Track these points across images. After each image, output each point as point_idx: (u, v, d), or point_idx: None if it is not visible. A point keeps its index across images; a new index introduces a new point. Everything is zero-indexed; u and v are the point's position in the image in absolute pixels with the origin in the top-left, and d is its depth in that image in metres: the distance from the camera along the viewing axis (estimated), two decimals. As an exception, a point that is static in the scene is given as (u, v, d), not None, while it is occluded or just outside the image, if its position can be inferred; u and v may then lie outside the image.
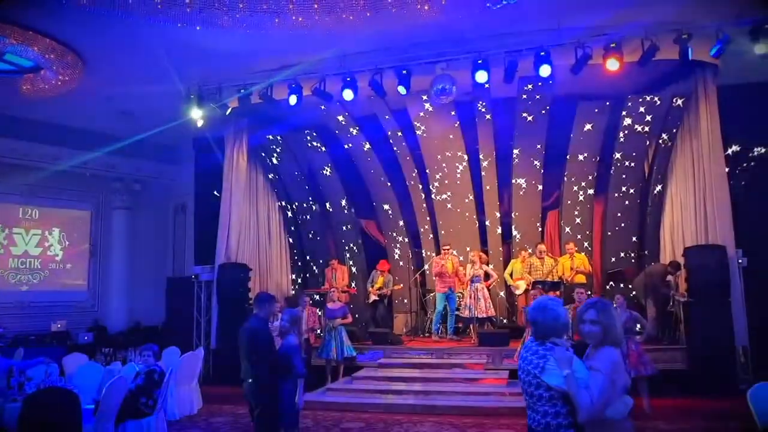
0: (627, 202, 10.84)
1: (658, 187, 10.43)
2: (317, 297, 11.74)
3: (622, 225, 10.86)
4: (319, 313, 10.32)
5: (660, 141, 10.30)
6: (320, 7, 7.71)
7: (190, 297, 12.06)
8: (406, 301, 12.15)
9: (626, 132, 10.44)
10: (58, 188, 14.11)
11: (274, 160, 12.58)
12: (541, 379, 2.83)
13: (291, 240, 13.13)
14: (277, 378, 5.10)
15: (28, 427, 5.17)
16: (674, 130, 10.00)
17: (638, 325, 7.87)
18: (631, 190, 10.79)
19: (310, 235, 13.12)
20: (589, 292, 8.70)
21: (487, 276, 10.47)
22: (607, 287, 10.72)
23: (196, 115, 10.24)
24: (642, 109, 10.16)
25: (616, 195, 10.84)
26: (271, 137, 12.17)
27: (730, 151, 10.04)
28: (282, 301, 11.30)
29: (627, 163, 10.66)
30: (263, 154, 12.40)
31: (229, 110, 10.36)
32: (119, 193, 14.97)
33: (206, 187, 13.42)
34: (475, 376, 8.73)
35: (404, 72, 9.29)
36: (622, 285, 10.56)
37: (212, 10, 7.97)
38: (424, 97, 10.51)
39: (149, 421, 6.46)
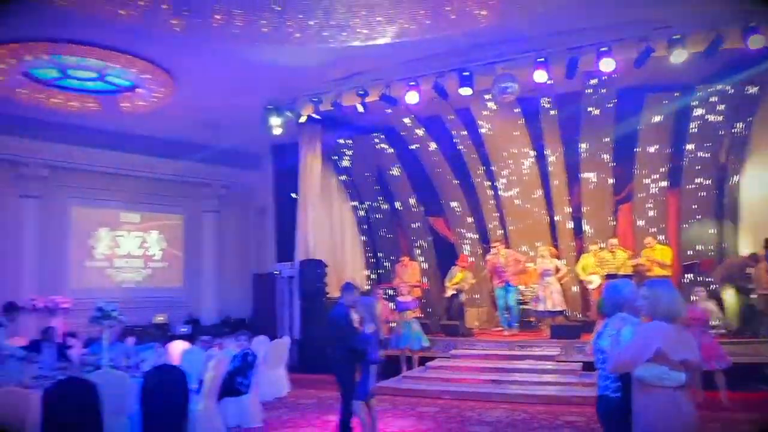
0: (703, 194, 10.70)
1: (735, 178, 10.25)
2: (390, 292, 12.31)
3: (698, 217, 10.73)
4: (392, 306, 10.87)
5: (734, 130, 10.13)
6: (383, 20, 8.25)
7: (273, 291, 12.97)
8: (477, 296, 12.51)
9: (698, 122, 10.34)
10: (155, 194, 15.41)
11: (346, 163, 13.29)
12: (598, 344, 3.31)
13: (364, 238, 13.80)
14: (354, 360, 5.65)
15: (149, 397, 6.03)
16: (749, 119, 9.82)
17: (715, 319, 7.88)
18: (707, 181, 10.64)
19: (382, 233, 13.74)
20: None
21: (557, 270, 10.66)
22: (684, 280, 10.60)
23: (274, 123, 11.05)
24: (713, 99, 10.04)
25: (690, 187, 10.73)
26: (342, 141, 12.89)
27: (808, 139, 9.76)
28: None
29: (700, 154, 10.54)
30: (335, 157, 13.13)
31: (303, 118, 11.10)
32: (207, 198, 16.18)
33: (284, 189, 14.37)
34: (546, 367, 9.00)
35: (466, 73, 9.62)
36: (700, 278, 10.43)
37: (286, 28, 8.71)
38: (487, 96, 10.81)
39: (245, 399, 7.28)
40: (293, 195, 13.03)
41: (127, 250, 15.27)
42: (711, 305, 7.68)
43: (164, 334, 13.65)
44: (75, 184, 14.02)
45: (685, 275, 10.49)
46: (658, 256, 10.06)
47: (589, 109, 10.83)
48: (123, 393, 5.99)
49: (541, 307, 10.36)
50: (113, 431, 5.72)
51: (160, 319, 14.63)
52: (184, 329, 14.22)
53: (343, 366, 5.74)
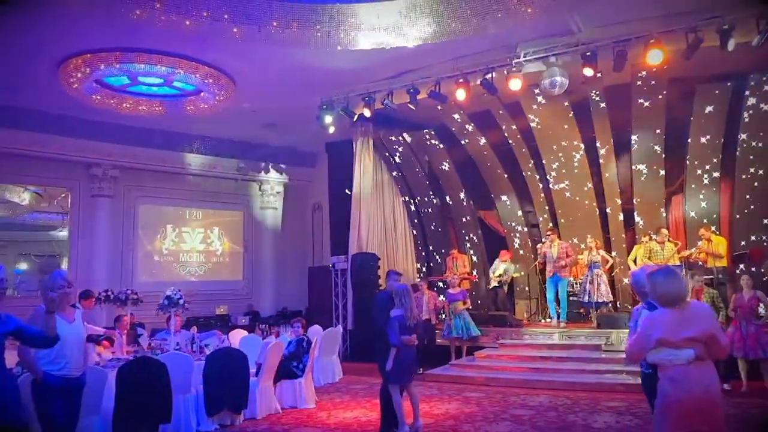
0: (756, 184, 10.49)
1: (791, 167, 10.04)
2: (440, 284, 12.59)
3: (752, 207, 10.53)
4: (441, 297, 11.15)
5: (790, 118, 9.92)
6: (431, 21, 8.55)
7: (328, 284, 13.49)
8: (527, 288, 12.64)
9: (751, 112, 10.15)
10: (216, 192, 16.27)
11: (397, 159, 13.65)
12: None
13: (414, 232, 14.14)
14: (388, 341, 5.95)
15: (211, 376, 6.59)
16: (805, 106, 9.59)
17: (762, 307, 7.82)
18: (760, 171, 10.43)
19: (432, 227, 14.04)
20: (705, 277, 8.66)
21: (606, 261, 10.69)
22: (737, 271, 10.44)
23: (328, 122, 11.52)
24: (766, 88, 9.83)
25: (744, 177, 10.54)
26: (393, 138, 13.26)
27: None
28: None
29: (754, 144, 10.34)
30: (387, 154, 13.51)
31: (356, 116, 11.51)
32: (265, 195, 16.93)
33: (338, 186, 14.88)
34: (592, 355, 9.11)
35: (513, 68, 9.81)
36: (753, 269, 10.25)
37: (338, 33, 9.15)
38: (536, 90, 10.92)
39: (300, 382, 7.78)
40: (347, 191, 13.50)
41: (191, 245, 16.18)
42: (759, 294, 7.61)
43: (225, 325, 14.47)
44: (143, 183, 15.03)
45: (738, 266, 10.31)
46: (713, 247, 9.93)
47: (640, 100, 10.79)
48: (188, 372, 6.56)
49: (587, 299, 10.42)
50: (179, 406, 6.27)
51: (221, 310, 15.45)
52: (243, 320, 14.96)
53: (380, 349, 6.08)
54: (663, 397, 3.34)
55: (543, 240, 11.29)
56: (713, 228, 10.77)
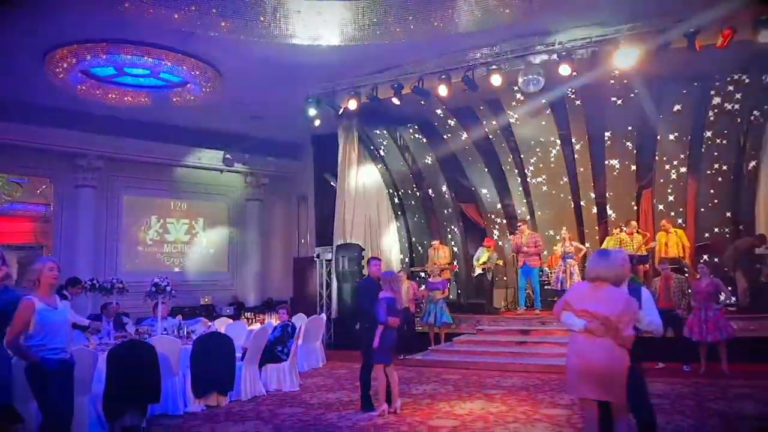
0: (720, 179, 11.05)
1: (752, 163, 10.57)
2: (422, 274, 12.97)
3: (716, 201, 11.09)
4: (422, 287, 11.51)
5: (751, 118, 10.44)
6: (414, 18, 8.89)
7: (313, 274, 13.81)
8: (505, 278, 13.08)
9: (716, 111, 10.67)
10: (201, 183, 16.45)
11: (382, 152, 13.99)
12: None
13: (398, 224, 14.50)
14: (373, 325, 6.32)
15: (198, 359, 6.88)
16: (765, 107, 10.10)
17: (721, 294, 8.33)
18: (724, 167, 10.99)
19: (415, 219, 14.42)
20: (669, 266, 9.18)
21: (578, 251, 11.16)
22: (701, 261, 10.97)
23: (314, 115, 11.79)
24: (731, 88, 10.36)
25: (709, 172, 11.09)
26: (378, 131, 13.60)
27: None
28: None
29: (718, 141, 10.88)
30: (372, 147, 13.85)
31: (341, 110, 11.80)
32: (251, 186, 17.16)
33: (324, 178, 15.21)
34: (563, 340, 9.53)
35: (494, 66, 10.19)
36: (716, 259, 10.79)
37: (325, 29, 9.44)
38: (515, 88, 11.28)
39: (284, 366, 8.11)
40: (332, 183, 13.81)
41: (176, 236, 16.36)
42: (716, 281, 8.11)
43: (210, 315, 14.70)
44: (127, 174, 15.16)
45: (702, 256, 10.85)
46: (673, 238, 10.49)
47: (613, 98, 11.25)
48: (176, 356, 6.84)
49: (561, 287, 10.87)
50: (167, 388, 6.54)
51: (206, 300, 15.69)
52: (228, 310, 15.22)
53: (365, 330, 6.45)
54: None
55: (517, 231, 11.72)
56: (679, 221, 11.31)
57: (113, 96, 12.15)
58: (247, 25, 9.46)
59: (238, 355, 7.61)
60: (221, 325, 9.90)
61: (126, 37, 10.06)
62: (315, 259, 13.75)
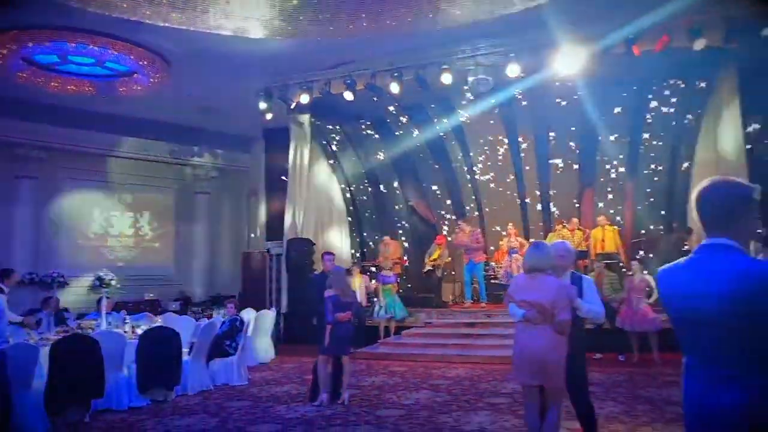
0: (656, 179, 11.62)
1: (686, 164, 11.14)
2: (373, 269, 13.10)
3: (652, 200, 11.66)
4: (373, 281, 11.66)
5: (686, 121, 11.01)
6: (367, 17, 8.98)
7: (263, 269, 13.72)
8: (453, 272, 13.35)
9: (653, 114, 11.21)
10: (147, 176, 16.08)
11: (334, 147, 14.02)
12: None
13: (349, 218, 14.59)
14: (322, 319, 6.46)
15: (144, 354, 6.80)
16: (699, 111, 10.69)
17: (654, 292, 8.79)
18: (660, 167, 11.56)
19: (367, 214, 14.53)
20: (604, 262, 9.64)
21: (522, 246, 11.52)
22: (637, 257, 11.46)
23: (266, 109, 11.72)
24: (667, 92, 10.91)
25: (646, 172, 11.65)
26: (330, 127, 13.63)
27: (750, 129, 10.57)
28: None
29: (655, 143, 11.44)
30: (324, 142, 13.86)
31: (294, 104, 11.78)
32: (199, 179, 16.88)
33: (274, 172, 15.08)
34: (508, 332, 9.83)
35: (445, 66, 10.38)
36: (651, 255, 11.32)
37: (279, 22, 9.42)
38: (465, 87, 11.53)
39: (232, 360, 8.09)
40: (284, 178, 13.74)
41: (119, 229, 15.94)
42: (648, 277, 8.58)
43: (155, 310, 14.42)
44: (70, 165, 14.65)
45: (638, 251, 11.39)
46: (609, 236, 10.97)
47: (557, 100, 11.64)
48: (121, 350, 6.74)
49: (507, 281, 11.20)
50: (112, 383, 6.44)
51: (151, 295, 15.36)
52: (174, 305, 14.94)
53: (318, 326, 6.55)
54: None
55: (457, 229, 11.98)
56: (618, 218, 11.83)
57: (56, 84, 11.75)
58: (200, 15, 9.35)
59: (185, 349, 7.56)
60: (168, 320, 9.79)
61: (71, 25, 9.74)
62: (265, 253, 13.68)
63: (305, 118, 12.97)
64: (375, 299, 11.28)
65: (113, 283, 7.72)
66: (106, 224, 15.64)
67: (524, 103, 11.96)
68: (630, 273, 8.87)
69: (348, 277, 9.30)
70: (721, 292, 1.69)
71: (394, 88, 10.73)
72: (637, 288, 8.46)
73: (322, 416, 5.99)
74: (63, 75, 11.50)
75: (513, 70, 9.98)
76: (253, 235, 16.83)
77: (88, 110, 13.54)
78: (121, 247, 15.87)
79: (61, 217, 14.67)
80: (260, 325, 9.99)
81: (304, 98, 11.44)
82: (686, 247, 9.92)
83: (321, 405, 6.39)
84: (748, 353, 1.67)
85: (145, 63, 11.12)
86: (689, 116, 10.89)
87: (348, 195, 14.55)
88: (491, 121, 12.48)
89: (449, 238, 13.51)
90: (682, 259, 1.89)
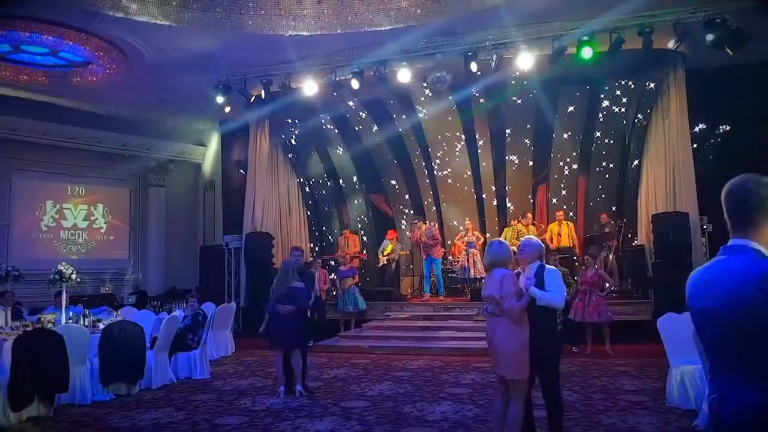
0: (607, 176, 12.14)
1: (635, 162, 11.67)
2: (332, 263, 13.23)
3: (603, 196, 12.17)
4: (332, 276, 11.80)
5: (636, 120, 11.53)
6: (329, 11, 9.07)
7: (221, 262, 13.66)
8: (411, 266, 13.62)
9: (605, 113, 11.70)
10: (101, 168, 15.74)
11: (293, 141, 14.05)
12: None
13: (308, 212, 14.66)
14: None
15: (107, 347, 6.77)
16: (648, 111, 11.19)
17: (606, 284, 9.23)
18: (611, 165, 12.07)
19: (326, 208, 14.63)
20: (559, 256, 10.07)
21: (478, 239, 11.87)
22: (589, 251, 11.98)
23: (224, 102, 11.66)
24: (618, 93, 11.41)
25: (598, 169, 12.15)
26: (289, 120, 13.64)
27: (697, 129, 11.20)
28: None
29: (606, 141, 11.94)
30: (283, 136, 13.87)
31: (253, 98, 11.76)
32: (155, 172, 16.62)
33: (232, 166, 15.03)
34: (465, 324, 10.18)
35: (405, 63, 10.59)
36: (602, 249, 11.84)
37: (239, 15, 9.39)
38: (424, 84, 11.75)
39: (195, 354, 8.11)
40: (242, 171, 13.69)
41: (73, 222, 15.58)
42: (601, 272, 9.01)
43: (111, 304, 14.17)
44: (22, 156, 14.24)
45: (589, 246, 11.88)
46: (565, 229, 11.44)
47: (513, 98, 12.00)
48: (84, 344, 6.69)
49: (464, 275, 11.54)
50: (75, 377, 6.41)
51: (106, 289, 15.09)
52: (130, 299, 14.72)
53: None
54: None
55: (412, 229, 12.22)
56: (571, 213, 12.32)
57: (7, 74, 11.40)
58: (158, 6, 9.24)
59: (148, 344, 7.54)
60: (128, 314, 9.67)
61: (26, 14, 9.48)
62: (223, 247, 13.63)
63: (264, 111, 12.95)
64: (334, 293, 11.42)
65: (74, 276, 7.60)
66: (59, 216, 15.26)
67: (481, 100, 12.27)
68: (583, 267, 9.28)
69: (312, 271, 9.46)
70: (734, 293, 1.67)
71: (355, 83, 10.86)
72: (589, 281, 8.86)
73: (289, 408, 6.11)
74: (14, 64, 11.17)
75: (470, 68, 10.24)
76: (210, 229, 16.70)
77: (41, 101, 13.18)
78: (75, 240, 15.51)
79: (11, 209, 14.22)
80: (220, 319, 9.99)
81: (264, 92, 11.43)
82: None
83: (279, 397, 6.54)
84: (762, 356, 1.63)
85: (101, 54, 10.91)
86: (639, 116, 11.40)
87: (307, 189, 14.62)
88: (449, 118, 12.75)
89: (408, 234, 13.77)
90: (710, 261, 1.87)
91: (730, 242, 1.81)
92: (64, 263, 7.78)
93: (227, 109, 11.87)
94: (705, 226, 10.45)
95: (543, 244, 4.51)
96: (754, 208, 1.75)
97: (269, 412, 6.02)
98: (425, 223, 12.16)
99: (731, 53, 9.23)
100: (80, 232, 15.68)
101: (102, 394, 6.73)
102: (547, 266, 4.37)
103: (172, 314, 8.17)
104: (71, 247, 15.41)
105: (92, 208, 15.92)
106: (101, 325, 7.59)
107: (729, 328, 1.70)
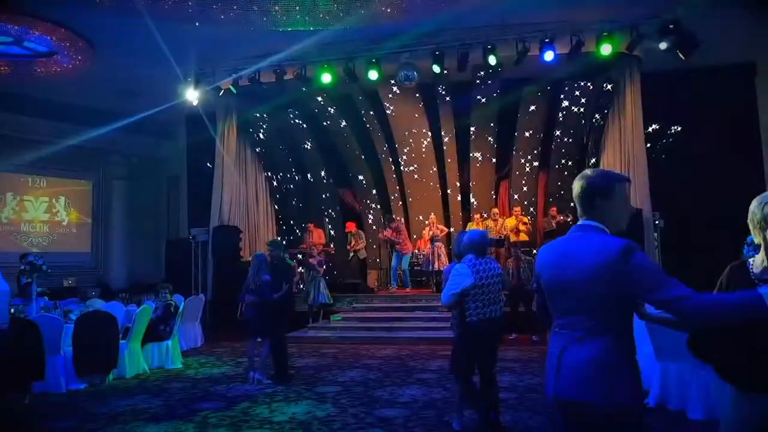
0: (566, 173, 12.65)
1: (593, 160, 12.21)
2: (299, 256, 13.37)
3: (562, 192, 12.67)
4: (300, 269, 11.97)
5: (593, 120, 12.07)
6: (301, 9, 9.24)
7: (187, 256, 13.64)
8: (378, 259, 13.90)
9: (564, 112, 12.21)
10: (63, 161, 15.45)
11: (261, 135, 14.14)
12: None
13: (276, 206, 14.77)
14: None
15: (81, 337, 6.84)
16: (605, 111, 11.72)
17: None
18: (570, 162, 12.61)
19: (294, 202, 14.77)
20: (522, 249, 10.52)
21: (442, 231, 12.23)
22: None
23: (191, 96, 11.66)
24: (577, 93, 11.93)
25: (557, 166, 12.66)
26: (258, 115, 13.72)
27: (651, 129, 11.80)
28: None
29: (566, 139, 12.46)
30: (251, 130, 13.94)
31: (222, 92, 11.81)
32: (118, 165, 16.43)
33: (198, 159, 14.99)
34: (430, 315, 10.52)
35: (374, 60, 10.82)
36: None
37: (210, 8, 9.48)
38: (392, 81, 12.02)
39: (167, 344, 8.22)
40: (208, 165, 13.69)
41: (34, 215, 15.30)
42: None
43: (74, 297, 14.01)
44: (-21, 147, 13.91)
45: (548, 240, 12.38)
46: (522, 226, 11.90)
47: (478, 97, 12.39)
48: (58, 334, 6.77)
49: (430, 268, 11.88)
50: (49, 366, 6.45)
51: (69, 282, 14.89)
52: (93, 293, 14.55)
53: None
54: None
55: (381, 230, 12.53)
56: (531, 209, 12.80)
57: (-33, 63, 11.18)
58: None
59: (119, 333, 7.61)
60: (97, 305, 9.68)
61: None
62: (190, 240, 13.62)
63: (232, 105, 13.01)
64: (301, 286, 11.61)
65: (44, 268, 7.61)
66: (19, 209, 14.97)
67: (447, 98, 12.62)
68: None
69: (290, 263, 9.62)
70: (587, 262, 2.00)
71: (325, 78, 11.05)
72: None
73: (264, 393, 6.33)
74: (-24, 53, 10.96)
75: (437, 66, 10.56)
76: (174, 222, 16.61)
77: (1, 91, 12.90)
78: (35, 232, 15.23)
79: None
80: (190, 311, 10.08)
81: (232, 86, 11.50)
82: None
83: (252, 383, 6.77)
84: (605, 318, 1.99)
85: (67, 44, 10.80)
86: (597, 116, 11.94)
87: (275, 183, 14.73)
88: (416, 115, 13.06)
89: (374, 227, 14.05)
90: (560, 238, 2.23)
91: (580, 222, 2.17)
92: (35, 254, 7.77)
93: (195, 103, 11.88)
94: (657, 222, 11.02)
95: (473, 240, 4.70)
96: (591, 196, 2.15)
97: (245, 397, 6.21)
98: (393, 223, 12.44)
99: (684, 57, 9.81)
100: (41, 224, 15.40)
101: (75, 383, 6.82)
102: (454, 264, 4.84)
103: (144, 305, 8.24)
104: (32, 240, 15.13)
105: (54, 201, 15.65)
106: (72, 316, 7.64)
107: (581, 294, 2.02)
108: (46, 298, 9.71)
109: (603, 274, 1.96)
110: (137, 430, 5.09)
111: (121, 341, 7.50)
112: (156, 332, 8.16)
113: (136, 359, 7.75)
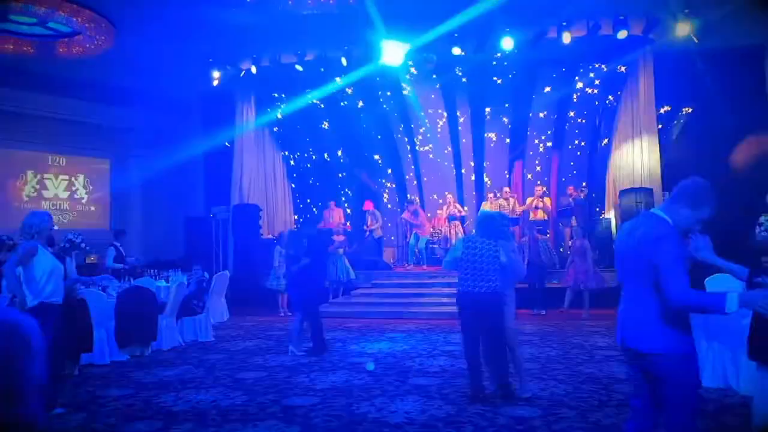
0: (579, 153, 12.90)
1: (605, 140, 12.47)
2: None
3: (575, 172, 12.95)
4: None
5: (606, 101, 12.30)
6: None
7: (207, 234, 13.99)
8: (393, 237, 14.23)
9: (578, 94, 12.43)
10: (82, 138, 15.72)
11: (279, 115, 14.37)
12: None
13: (293, 185, 15.07)
14: None
15: (123, 311, 7.21)
16: (618, 92, 11.96)
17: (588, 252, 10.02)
18: (582, 143, 12.84)
19: (311, 182, 15.07)
20: (540, 227, 10.84)
21: (460, 212, 12.56)
22: (573, 223, 12.72)
23: (214, 75, 11.91)
24: (592, 75, 12.12)
25: (570, 147, 12.90)
26: (276, 95, 13.93)
27: (662, 110, 12.01)
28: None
29: (579, 120, 12.69)
30: (269, 110, 14.16)
31: (243, 72, 12.04)
32: (136, 143, 16.66)
33: (215, 138, 15.22)
34: (449, 291, 10.86)
35: (394, 43, 11.01)
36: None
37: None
38: (410, 62, 12.24)
39: (199, 318, 8.60)
40: (227, 143, 13.96)
41: (54, 192, 15.62)
42: (585, 242, 9.81)
43: (95, 273, 14.38)
44: (2, 126, 14.15)
45: (563, 219, 12.70)
46: (541, 204, 12.20)
47: (494, 78, 12.58)
48: (103, 309, 7.13)
49: (446, 245, 12.20)
50: (95, 339, 6.84)
51: (91, 259, 15.27)
52: (146, 271, 14.88)
53: None
54: None
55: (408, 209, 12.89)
56: (544, 188, 13.04)
57: (-6, 44, 11.39)
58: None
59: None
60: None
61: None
62: (211, 217, 13.96)
63: (252, 85, 13.23)
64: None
65: (83, 245, 7.94)
66: (40, 187, 15.29)
67: (464, 80, 12.82)
68: (570, 238, 10.04)
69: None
70: (638, 242, 2.63)
71: (344, 60, 11.27)
72: (578, 251, 9.67)
73: (301, 364, 6.71)
74: (2, 34, 11.16)
75: (456, 50, 10.78)
76: (192, 200, 16.90)
77: (24, 70, 13.11)
78: (56, 210, 15.54)
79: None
80: (217, 287, 10.46)
81: (253, 67, 11.72)
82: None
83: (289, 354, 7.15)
84: (644, 282, 2.60)
85: (91, 25, 11.00)
86: (610, 97, 12.16)
87: (292, 162, 15.00)
88: (432, 96, 13.27)
89: (389, 206, 14.36)
90: (633, 219, 2.88)
91: (651, 210, 2.78)
92: (74, 233, 8.08)
93: (215, 82, 12.11)
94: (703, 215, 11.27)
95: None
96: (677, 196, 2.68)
97: (282, 368, 6.59)
98: (412, 205, 12.75)
99: (696, 40, 10.02)
100: (61, 202, 15.73)
101: (118, 355, 7.19)
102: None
103: (179, 282, 8.60)
104: (53, 218, 15.44)
105: (73, 179, 15.96)
106: (112, 291, 8.00)
107: (632, 263, 2.66)
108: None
109: (644, 249, 2.58)
110: (190, 397, 5.46)
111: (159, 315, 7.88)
112: (190, 307, 8.53)
113: (172, 333, 8.12)
